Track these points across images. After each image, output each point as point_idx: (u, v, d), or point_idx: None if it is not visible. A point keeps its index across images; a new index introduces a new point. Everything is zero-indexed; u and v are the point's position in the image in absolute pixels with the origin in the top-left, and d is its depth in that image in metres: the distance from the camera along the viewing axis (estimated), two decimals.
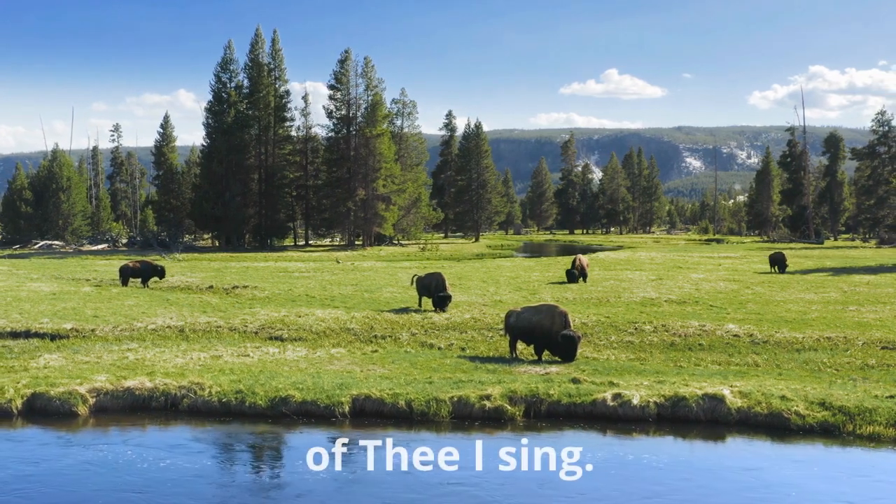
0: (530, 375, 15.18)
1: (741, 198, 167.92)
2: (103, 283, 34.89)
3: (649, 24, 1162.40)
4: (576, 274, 33.87)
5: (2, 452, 12.34)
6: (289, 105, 79.13)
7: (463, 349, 18.90)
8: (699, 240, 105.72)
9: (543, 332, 16.94)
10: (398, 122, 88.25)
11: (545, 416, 13.43)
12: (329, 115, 77.62)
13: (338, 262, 50.63)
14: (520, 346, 18.11)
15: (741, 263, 47.21)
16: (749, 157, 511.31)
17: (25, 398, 14.06)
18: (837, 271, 39.80)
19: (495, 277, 36.80)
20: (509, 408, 13.40)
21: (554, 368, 15.84)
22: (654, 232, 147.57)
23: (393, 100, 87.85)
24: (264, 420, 13.53)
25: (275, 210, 78.15)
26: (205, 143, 78.48)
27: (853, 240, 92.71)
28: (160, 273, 34.03)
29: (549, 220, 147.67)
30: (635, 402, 13.23)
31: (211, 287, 33.10)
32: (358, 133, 75.23)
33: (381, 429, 13.08)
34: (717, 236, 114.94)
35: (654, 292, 29.59)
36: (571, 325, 16.97)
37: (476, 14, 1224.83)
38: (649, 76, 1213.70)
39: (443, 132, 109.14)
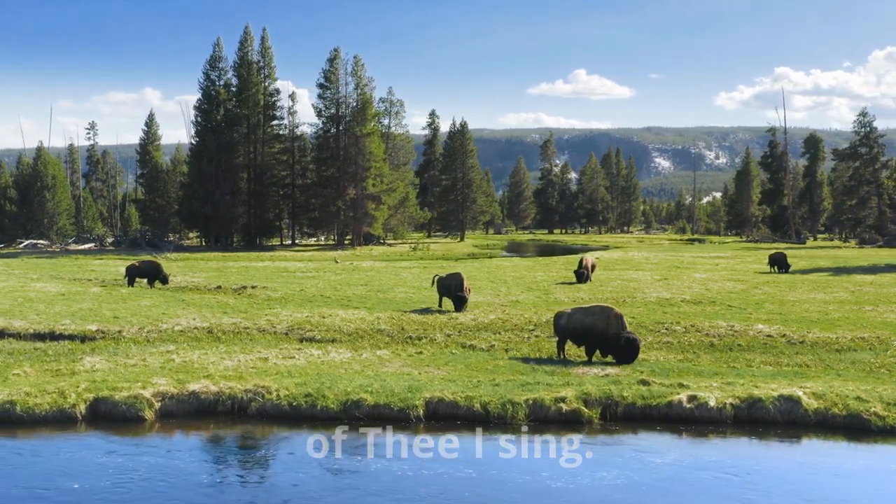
0: (594, 377, 15.18)
1: (717, 195, 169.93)
2: (108, 283, 34.47)
3: (616, 25, 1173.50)
4: (584, 274, 34.04)
5: (121, 463, 11.92)
6: (278, 104, 78.83)
7: (507, 350, 18.85)
8: (680, 239, 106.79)
9: (598, 334, 16.97)
10: (385, 122, 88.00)
11: (620, 418, 13.46)
12: (318, 113, 77.21)
13: (336, 262, 50.35)
14: (567, 346, 18.14)
15: (737, 263, 47.68)
16: (717, 157, 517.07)
17: (88, 403, 13.80)
18: (836, 271, 40.30)
19: (501, 278, 36.86)
20: (586, 410, 13.39)
21: (611, 370, 15.87)
22: (632, 231, 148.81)
23: (380, 99, 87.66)
24: (338, 424, 13.27)
25: (264, 209, 77.64)
26: (193, 142, 77.72)
27: (832, 240, 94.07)
28: (163, 279, 33.04)
29: (528, 220, 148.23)
30: (712, 403, 13.27)
31: (219, 287, 32.79)
32: (347, 132, 74.90)
33: (458, 431, 12.96)
34: (696, 236, 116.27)
35: (667, 292, 29.79)
36: (627, 326, 17.06)
37: (442, 14, 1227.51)
38: (617, 76, 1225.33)
39: (426, 132, 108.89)
